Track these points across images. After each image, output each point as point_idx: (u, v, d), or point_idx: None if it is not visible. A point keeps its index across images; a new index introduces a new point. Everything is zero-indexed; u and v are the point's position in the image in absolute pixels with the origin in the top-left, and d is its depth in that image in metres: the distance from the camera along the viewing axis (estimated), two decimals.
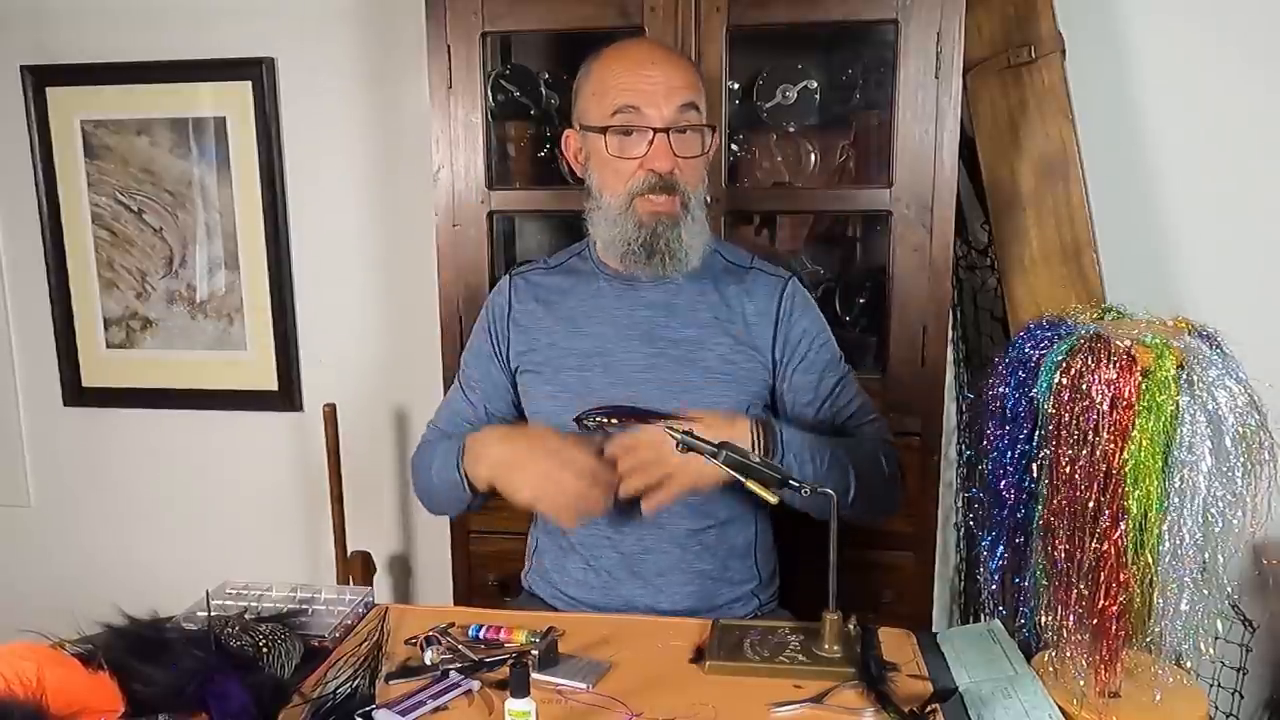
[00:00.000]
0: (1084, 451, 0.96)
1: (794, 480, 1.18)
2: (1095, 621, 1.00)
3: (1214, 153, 1.97)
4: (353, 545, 2.24)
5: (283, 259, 2.31)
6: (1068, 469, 0.97)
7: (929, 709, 1.05)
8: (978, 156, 1.86)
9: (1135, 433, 0.94)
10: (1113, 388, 0.94)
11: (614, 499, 1.28)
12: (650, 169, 1.33)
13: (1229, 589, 1.01)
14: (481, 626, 1.23)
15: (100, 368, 2.44)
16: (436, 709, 1.07)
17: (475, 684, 1.12)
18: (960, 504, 2.12)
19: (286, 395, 2.37)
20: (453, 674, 1.13)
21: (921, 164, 1.69)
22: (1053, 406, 0.98)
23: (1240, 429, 0.96)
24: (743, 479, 1.18)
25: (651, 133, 1.33)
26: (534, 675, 1.10)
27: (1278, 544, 1.94)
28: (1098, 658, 1.03)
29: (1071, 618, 1.01)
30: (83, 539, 2.55)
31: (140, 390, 2.42)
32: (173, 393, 2.41)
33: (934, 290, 1.72)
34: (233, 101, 2.25)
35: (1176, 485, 0.95)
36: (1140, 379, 0.94)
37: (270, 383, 2.37)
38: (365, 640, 1.20)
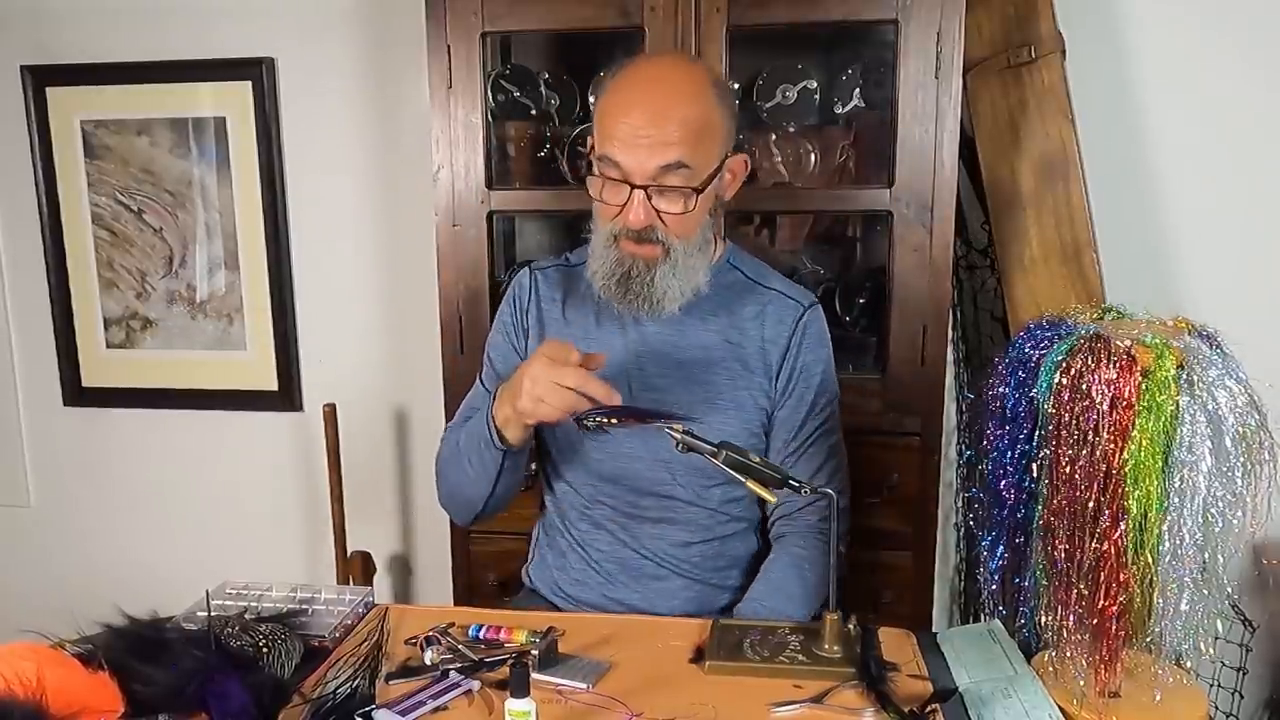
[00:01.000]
0: (1084, 451, 0.96)
1: (794, 480, 1.18)
2: (1095, 621, 1.00)
3: (1214, 153, 1.97)
4: (353, 545, 2.25)
5: (283, 259, 2.31)
6: (1068, 469, 0.97)
7: (929, 709, 1.05)
8: (978, 156, 1.86)
9: (1135, 433, 0.94)
10: (1113, 388, 0.94)
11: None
12: (625, 223, 1.29)
13: (1229, 589, 1.01)
14: (481, 626, 1.23)
15: (100, 368, 2.44)
16: (436, 709, 1.07)
17: (475, 684, 1.12)
18: (960, 504, 2.12)
19: (286, 395, 2.37)
20: (453, 674, 1.13)
21: (921, 164, 1.69)
22: (1053, 406, 0.98)
23: (1240, 429, 0.96)
24: (743, 479, 1.18)
25: (629, 188, 1.27)
26: (534, 675, 1.10)
27: (1278, 544, 1.94)
28: (1098, 658, 1.03)
29: (1071, 618, 1.01)
30: (82, 539, 2.55)
31: (140, 390, 2.43)
32: (173, 393, 2.41)
33: (934, 290, 1.72)
34: (233, 101, 2.25)
35: (1176, 485, 0.95)
36: (1140, 379, 0.94)
37: (270, 383, 2.37)
38: (365, 640, 1.20)
